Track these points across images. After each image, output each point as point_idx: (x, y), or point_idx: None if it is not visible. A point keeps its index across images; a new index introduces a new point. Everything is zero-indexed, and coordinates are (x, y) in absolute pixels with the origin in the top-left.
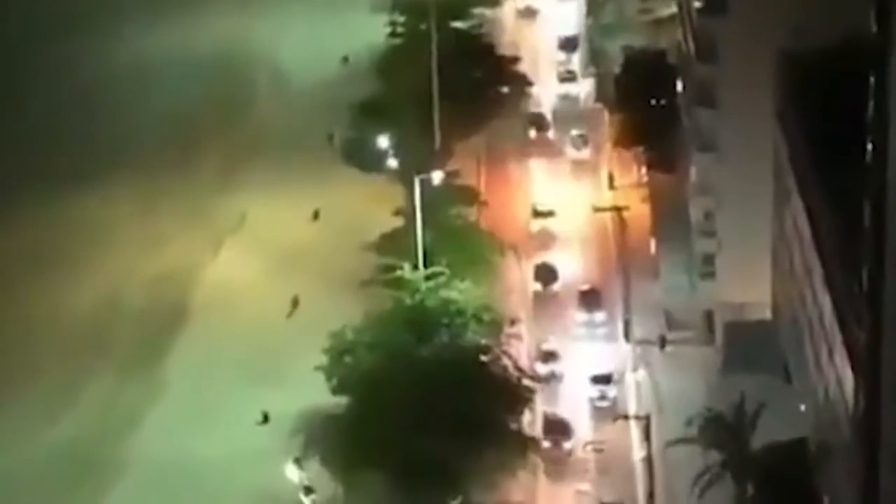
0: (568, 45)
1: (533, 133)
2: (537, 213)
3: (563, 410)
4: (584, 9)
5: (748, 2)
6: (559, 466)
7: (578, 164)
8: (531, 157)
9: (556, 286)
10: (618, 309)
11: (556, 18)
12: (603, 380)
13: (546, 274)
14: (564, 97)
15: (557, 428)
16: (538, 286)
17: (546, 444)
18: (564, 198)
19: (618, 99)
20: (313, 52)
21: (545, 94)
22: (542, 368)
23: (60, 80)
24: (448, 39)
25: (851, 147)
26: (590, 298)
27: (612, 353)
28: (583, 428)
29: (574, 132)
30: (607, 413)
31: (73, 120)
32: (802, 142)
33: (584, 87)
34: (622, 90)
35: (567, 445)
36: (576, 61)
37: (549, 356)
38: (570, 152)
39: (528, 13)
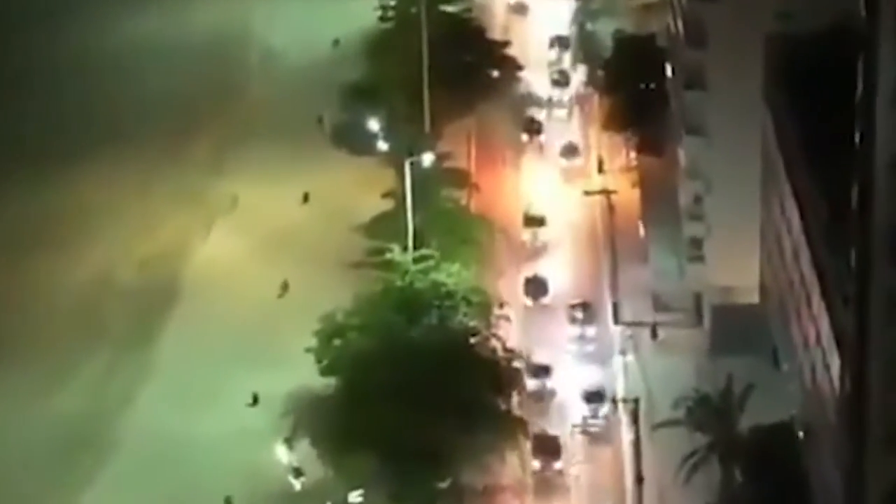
0: (559, 43)
1: (525, 137)
2: (529, 221)
3: (554, 428)
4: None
5: None
6: (549, 486)
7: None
8: (523, 154)
9: (545, 299)
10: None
11: (546, 16)
12: (595, 397)
13: (536, 288)
14: (556, 104)
15: (548, 447)
16: (528, 301)
17: (536, 464)
18: (554, 188)
19: (608, 83)
20: (305, 35)
21: (536, 86)
22: (532, 384)
23: (53, 62)
24: (438, 23)
25: (840, 130)
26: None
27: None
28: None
29: (563, 142)
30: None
31: (66, 102)
32: (791, 125)
33: (573, 90)
34: (612, 74)
35: (557, 465)
36: (567, 60)
37: (540, 370)
38: (561, 161)
39: (520, 8)
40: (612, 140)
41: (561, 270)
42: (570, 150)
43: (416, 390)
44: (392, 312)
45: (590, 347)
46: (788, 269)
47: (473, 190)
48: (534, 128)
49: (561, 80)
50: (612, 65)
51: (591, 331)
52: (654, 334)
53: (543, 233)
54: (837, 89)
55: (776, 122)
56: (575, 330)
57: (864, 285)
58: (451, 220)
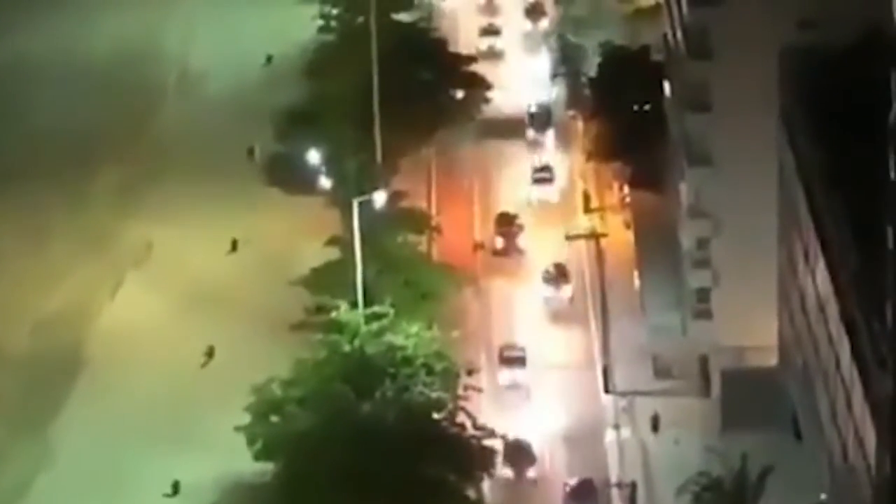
0: (537, 121)
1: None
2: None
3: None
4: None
5: None
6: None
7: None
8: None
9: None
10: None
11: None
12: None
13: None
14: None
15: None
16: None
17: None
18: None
19: (594, 104)
20: (230, 52)
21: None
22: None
23: None
24: (390, 35)
25: (871, 159)
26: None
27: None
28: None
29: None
30: None
31: None
32: (813, 153)
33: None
34: (599, 94)
35: (531, 474)
36: (549, 144)
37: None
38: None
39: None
40: (600, 173)
41: (541, 333)
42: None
43: (369, 477)
44: (339, 383)
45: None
46: (812, 325)
47: (434, 234)
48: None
49: (544, 178)
50: (600, 83)
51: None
52: (655, 426)
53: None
54: (867, 109)
55: (795, 149)
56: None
57: None
58: (408, 271)
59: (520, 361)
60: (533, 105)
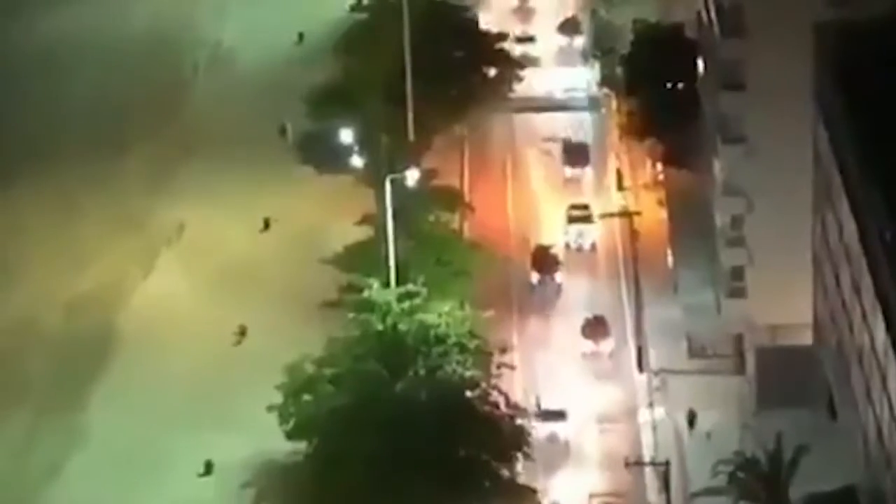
0: (573, 154)
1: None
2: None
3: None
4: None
5: None
6: None
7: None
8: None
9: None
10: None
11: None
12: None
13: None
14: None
15: None
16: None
17: None
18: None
19: (627, 82)
20: (262, 30)
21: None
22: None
23: None
24: (423, 12)
25: None
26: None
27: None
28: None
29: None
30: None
31: None
32: (849, 131)
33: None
34: (632, 72)
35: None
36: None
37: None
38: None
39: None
40: (633, 150)
41: (575, 310)
42: (579, 161)
43: (401, 455)
44: (372, 361)
45: (610, 399)
46: (847, 303)
47: (467, 212)
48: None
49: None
50: (632, 61)
51: (611, 382)
52: (691, 422)
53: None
54: None
55: (830, 126)
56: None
57: None
58: (440, 249)
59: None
60: (568, 133)
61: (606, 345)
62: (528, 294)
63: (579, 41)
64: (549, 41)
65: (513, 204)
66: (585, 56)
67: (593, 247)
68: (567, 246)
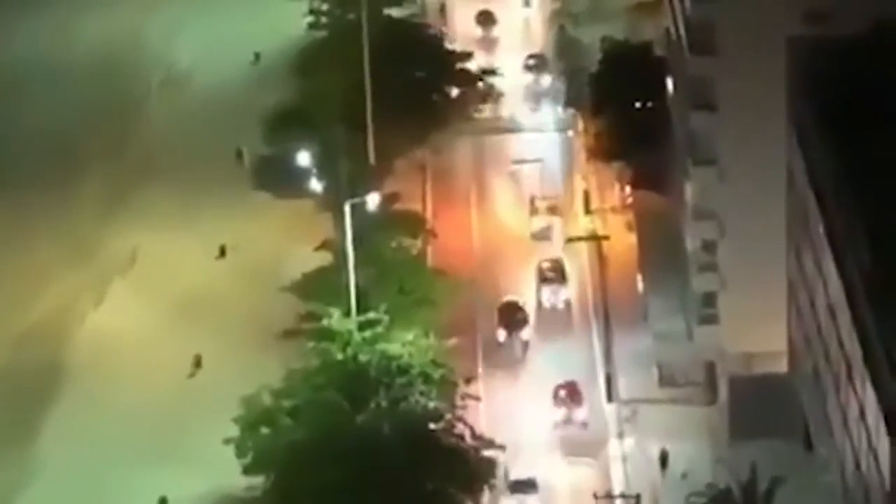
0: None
1: None
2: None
3: None
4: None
5: None
6: None
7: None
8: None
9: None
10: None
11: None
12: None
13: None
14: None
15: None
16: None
17: None
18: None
19: (594, 102)
20: (217, 49)
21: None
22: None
23: None
24: (383, 30)
25: (885, 157)
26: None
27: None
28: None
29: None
30: None
31: None
32: (824, 151)
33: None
34: (600, 91)
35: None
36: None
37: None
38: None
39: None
40: (601, 172)
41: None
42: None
43: (364, 490)
44: (332, 393)
45: (578, 432)
46: (823, 329)
47: (430, 238)
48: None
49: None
50: (600, 79)
51: (580, 412)
52: (663, 462)
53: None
54: (882, 105)
55: (804, 147)
56: (560, 412)
57: None
58: (403, 276)
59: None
60: (537, 197)
61: (580, 413)
62: (493, 351)
63: (546, 80)
64: (514, 76)
65: (478, 229)
66: (553, 97)
67: (567, 304)
68: (539, 305)
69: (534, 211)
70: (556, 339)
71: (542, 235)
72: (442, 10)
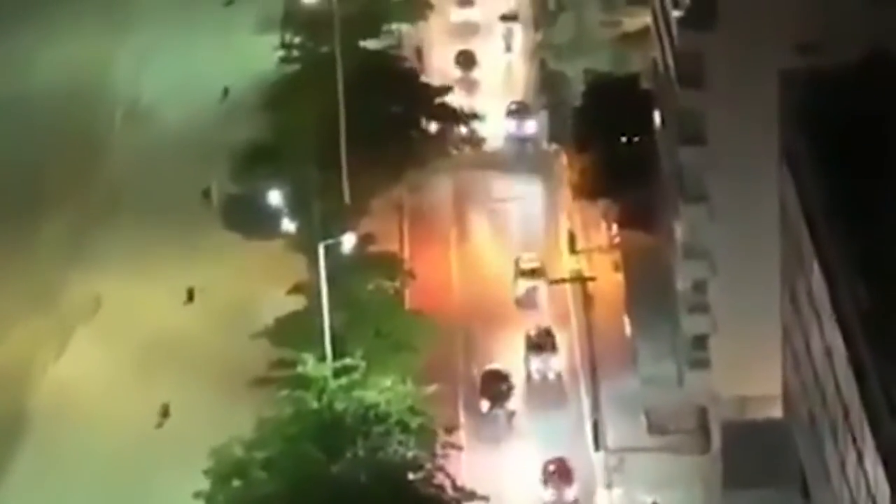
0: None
1: None
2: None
3: None
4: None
5: (744, 9)
6: None
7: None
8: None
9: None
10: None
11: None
12: None
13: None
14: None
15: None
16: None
17: None
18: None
19: (578, 137)
20: (184, 84)
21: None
22: None
23: None
24: (358, 63)
25: (882, 192)
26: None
27: None
28: None
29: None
30: None
31: None
32: (818, 186)
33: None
34: (584, 125)
35: None
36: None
37: None
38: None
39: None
40: (586, 211)
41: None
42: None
43: None
44: (307, 443)
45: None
46: (819, 372)
47: (408, 280)
48: None
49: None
50: (584, 114)
51: (570, 492)
52: None
53: None
54: (877, 138)
55: (798, 182)
56: (549, 492)
57: None
58: (379, 320)
59: None
60: (523, 258)
61: (570, 493)
62: (476, 422)
63: (530, 126)
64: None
65: (458, 270)
66: (538, 149)
67: (559, 377)
68: (528, 377)
69: (518, 273)
70: (545, 411)
71: (529, 302)
72: (419, 53)
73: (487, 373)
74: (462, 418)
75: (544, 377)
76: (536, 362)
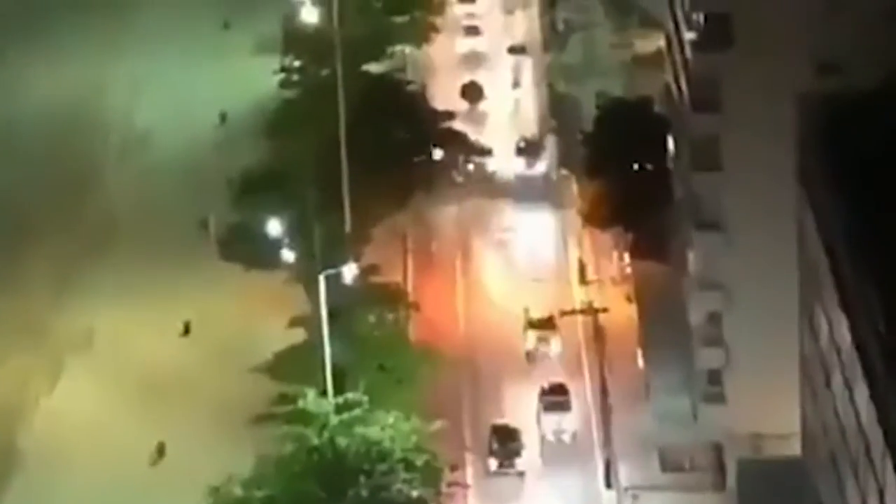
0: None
1: None
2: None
3: None
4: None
5: (760, 31)
6: None
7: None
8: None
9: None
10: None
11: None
12: None
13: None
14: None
15: None
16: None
17: None
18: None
19: (590, 163)
20: (181, 110)
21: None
22: None
23: None
24: (360, 88)
25: None
26: None
27: None
28: None
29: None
30: None
31: None
32: (838, 216)
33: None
34: (596, 151)
35: None
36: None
37: None
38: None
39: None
40: (597, 240)
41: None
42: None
43: None
44: (308, 481)
45: None
46: (839, 407)
47: (411, 311)
48: None
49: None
50: (596, 139)
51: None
52: None
53: None
54: None
55: (817, 211)
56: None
57: None
58: (382, 354)
59: None
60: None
61: None
62: (483, 483)
63: (541, 167)
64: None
65: (463, 302)
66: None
67: (574, 437)
68: (542, 439)
69: (529, 325)
70: (558, 473)
71: (540, 354)
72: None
73: (496, 428)
74: (469, 471)
75: (559, 438)
76: (551, 423)
